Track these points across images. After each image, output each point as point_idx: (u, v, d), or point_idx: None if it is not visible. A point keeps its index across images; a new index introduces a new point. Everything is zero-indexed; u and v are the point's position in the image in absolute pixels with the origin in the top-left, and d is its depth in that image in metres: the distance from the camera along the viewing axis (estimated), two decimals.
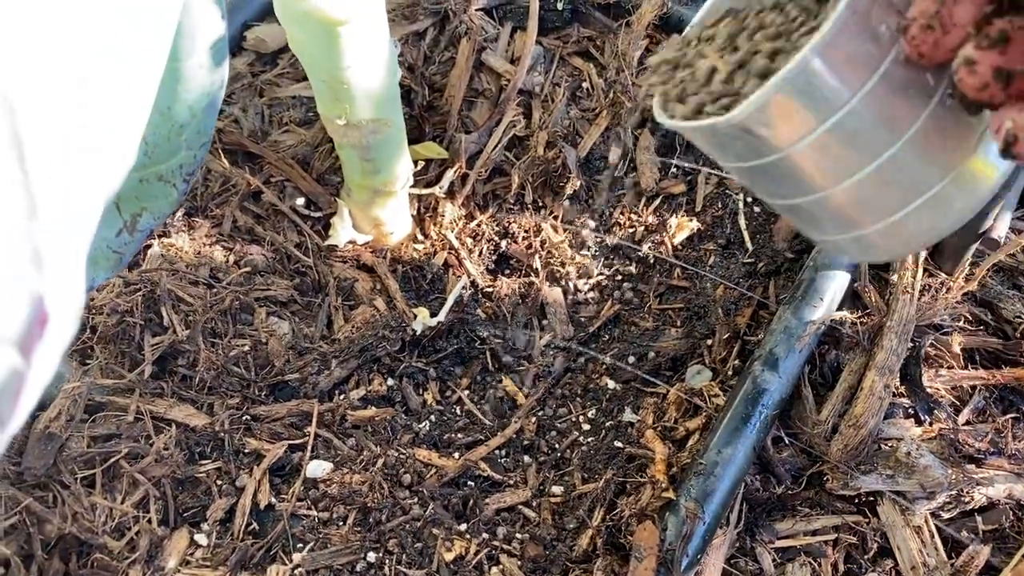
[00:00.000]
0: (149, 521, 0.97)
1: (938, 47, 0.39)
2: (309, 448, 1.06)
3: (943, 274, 1.19)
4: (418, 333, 1.26)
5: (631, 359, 1.28)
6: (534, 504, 1.10)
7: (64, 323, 0.39)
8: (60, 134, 0.39)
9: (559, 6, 1.48)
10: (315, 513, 1.02)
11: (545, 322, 1.34)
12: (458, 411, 1.22)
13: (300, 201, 1.30)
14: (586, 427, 1.22)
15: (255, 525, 1.00)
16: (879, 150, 0.43)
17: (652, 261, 1.37)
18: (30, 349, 0.38)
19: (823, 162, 0.44)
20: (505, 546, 1.04)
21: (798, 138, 0.43)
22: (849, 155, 0.43)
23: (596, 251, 1.39)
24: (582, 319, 1.34)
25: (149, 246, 1.20)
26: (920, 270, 1.16)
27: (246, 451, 1.04)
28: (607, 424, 1.21)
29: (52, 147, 0.37)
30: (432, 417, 1.20)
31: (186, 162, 0.82)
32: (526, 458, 1.18)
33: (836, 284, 1.16)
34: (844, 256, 0.51)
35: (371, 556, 0.99)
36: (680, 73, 0.52)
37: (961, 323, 1.18)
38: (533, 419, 1.22)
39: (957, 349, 1.16)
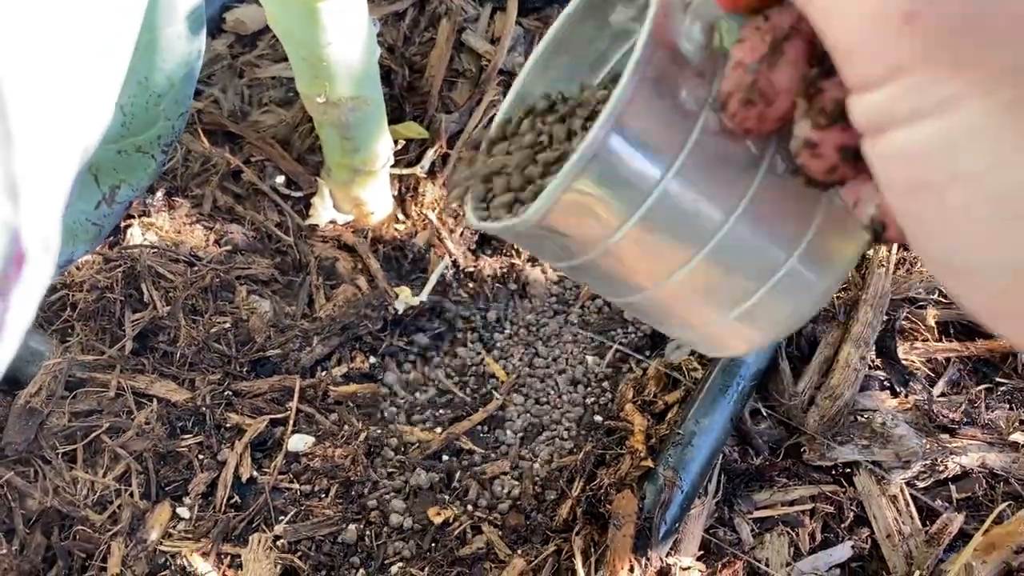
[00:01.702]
0: (131, 495, 0.98)
1: (764, 120, 0.33)
2: (291, 423, 1.06)
3: None
4: (400, 312, 1.26)
5: (612, 335, 1.29)
6: (515, 476, 1.11)
7: (42, 264, 0.39)
8: (41, 77, 0.39)
9: None
10: (297, 486, 1.02)
11: (527, 301, 1.34)
12: (441, 388, 1.23)
13: (280, 180, 1.31)
14: (567, 402, 1.23)
15: (237, 498, 1.01)
16: (705, 234, 0.36)
17: None
18: (7, 290, 0.38)
19: (645, 255, 0.37)
20: (487, 516, 1.05)
21: (609, 233, 0.36)
22: (672, 244, 0.37)
23: None
24: (563, 297, 1.35)
25: (129, 225, 1.20)
26: (895, 245, 1.17)
27: (227, 426, 1.05)
28: (588, 399, 1.22)
29: (29, 86, 0.37)
30: (415, 394, 1.21)
31: (164, 132, 0.82)
32: (508, 432, 1.19)
33: None
34: (698, 350, 0.43)
35: (352, 527, 1.00)
36: (491, 169, 0.45)
37: (936, 296, 1.20)
38: (515, 394, 1.23)
39: (932, 322, 1.18)
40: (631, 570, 0.92)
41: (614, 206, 0.36)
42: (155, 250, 1.14)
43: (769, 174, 0.36)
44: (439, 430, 1.16)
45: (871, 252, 1.17)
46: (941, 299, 1.20)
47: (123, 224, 1.21)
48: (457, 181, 0.45)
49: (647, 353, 1.26)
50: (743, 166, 0.36)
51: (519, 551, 1.00)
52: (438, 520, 1.04)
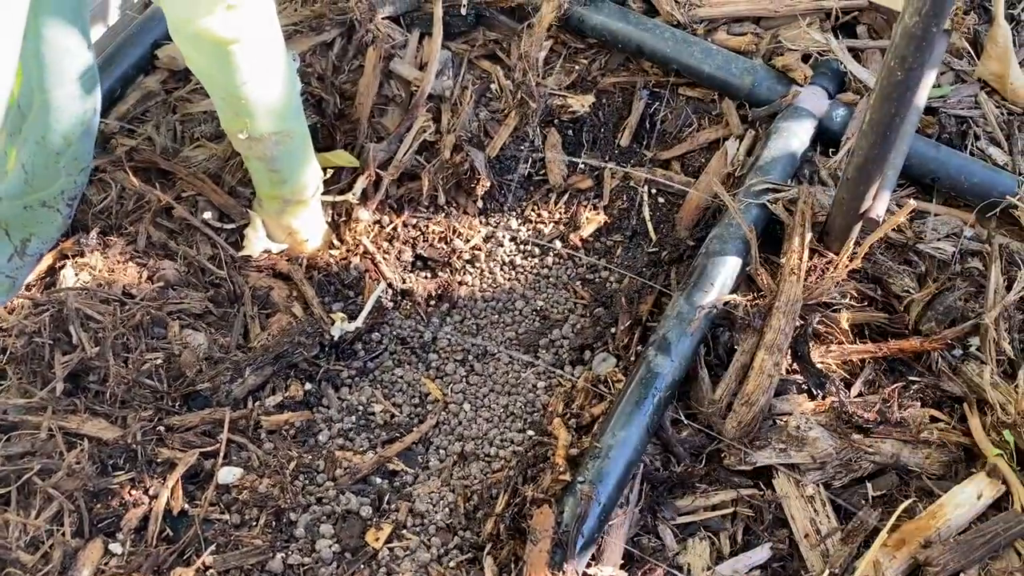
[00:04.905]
0: (63, 534, 1.00)
1: None
2: (221, 455, 1.09)
3: (831, 254, 1.24)
4: (336, 338, 1.29)
5: (543, 350, 1.33)
6: (446, 494, 1.14)
7: None
8: None
9: (463, 11, 1.51)
10: (227, 517, 1.05)
11: (461, 319, 1.38)
12: (377, 410, 1.26)
13: (212, 215, 1.34)
14: (500, 418, 1.26)
15: (169, 531, 1.04)
16: None
17: (563, 255, 1.42)
18: None
19: None
20: (415, 535, 1.08)
21: None
22: None
23: (509, 248, 1.43)
24: (496, 314, 1.38)
25: (63, 266, 1.22)
26: (806, 251, 1.21)
27: (159, 460, 1.08)
28: (521, 415, 1.26)
29: None
30: (351, 418, 1.24)
31: (67, 188, 0.85)
32: (441, 451, 1.22)
33: (727, 269, 1.21)
34: None
35: (281, 555, 1.03)
36: None
37: (849, 300, 1.24)
38: (449, 413, 1.26)
39: (846, 325, 1.22)
40: None
41: None
42: (84, 292, 1.17)
43: None
44: (371, 453, 1.19)
45: (783, 260, 1.21)
46: (854, 303, 1.23)
47: (57, 264, 1.24)
48: None
49: (577, 365, 1.29)
50: None
51: (440, 568, 1.03)
52: (376, 544, 1.07)
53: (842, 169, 1.34)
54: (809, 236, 1.22)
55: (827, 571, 1.04)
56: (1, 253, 0.87)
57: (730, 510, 1.12)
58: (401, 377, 1.31)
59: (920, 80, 1.00)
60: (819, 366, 1.19)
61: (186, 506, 1.05)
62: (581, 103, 1.48)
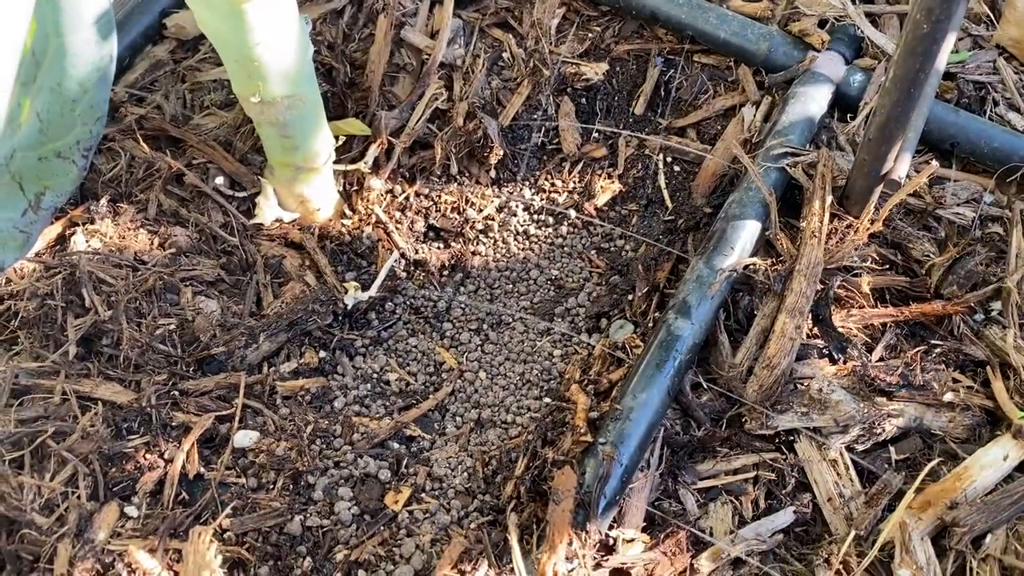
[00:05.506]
0: (78, 497, 0.99)
1: None
2: (236, 419, 1.08)
3: (851, 217, 1.22)
4: (350, 307, 1.28)
5: (558, 317, 1.31)
6: (464, 459, 1.13)
7: None
8: None
9: None
10: (244, 480, 1.04)
11: (475, 289, 1.36)
12: (391, 378, 1.25)
13: (223, 182, 1.32)
14: (516, 385, 1.25)
15: (185, 495, 1.03)
16: None
17: (578, 223, 1.40)
18: None
19: None
20: (434, 499, 1.07)
21: None
22: None
23: (522, 217, 1.42)
24: (511, 284, 1.37)
25: (73, 233, 1.21)
26: (827, 215, 1.19)
27: (174, 424, 1.06)
28: (538, 381, 1.24)
29: None
30: (366, 385, 1.23)
31: (83, 137, 0.84)
32: (457, 418, 1.20)
33: (747, 233, 1.19)
34: None
35: (298, 518, 1.01)
36: None
37: (870, 264, 1.22)
38: (465, 381, 1.25)
39: (867, 289, 1.20)
40: (570, 544, 0.94)
41: None
42: (96, 255, 1.15)
43: None
44: (388, 419, 1.18)
45: (803, 223, 1.19)
46: (875, 267, 1.22)
47: (67, 232, 1.22)
48: None
49: (593, 332, 1.28)
50: None
51: (460, 530, 1.02)
52: (395, 506, 1.05)
53: (860, 134, 1.33)
54: (829, 199, 1.20)
55: (852, 533, 1.02)
56: (15, 207, 0.85)
57: (752, 474, 1.11)
58: (415, 346, 1.30)
59: (946, 33, 0.98)
60: (840, 330, 1.18)
61: (202, 469, 1.04)
62: (595, 71, 1.46)
